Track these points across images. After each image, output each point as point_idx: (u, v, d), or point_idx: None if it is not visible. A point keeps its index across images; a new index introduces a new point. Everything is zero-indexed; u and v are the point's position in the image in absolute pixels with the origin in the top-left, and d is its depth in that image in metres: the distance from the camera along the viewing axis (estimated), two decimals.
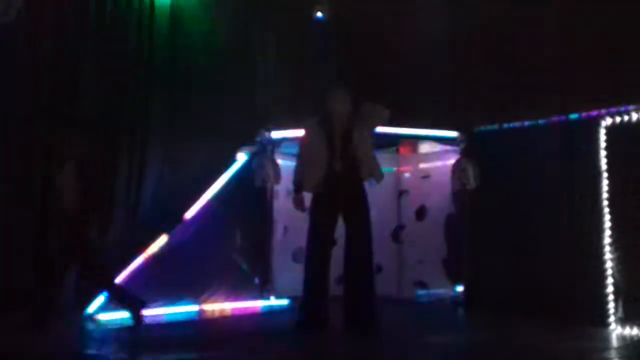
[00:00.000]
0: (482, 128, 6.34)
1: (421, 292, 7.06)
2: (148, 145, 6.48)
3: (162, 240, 6.00)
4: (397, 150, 7.44)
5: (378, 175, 5.30)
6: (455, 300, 6.49)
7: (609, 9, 6.37)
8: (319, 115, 5.35)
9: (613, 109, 5.31)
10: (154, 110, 6.57)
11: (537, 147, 5.77)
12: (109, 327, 5.43)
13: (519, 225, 5.84)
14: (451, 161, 6.59)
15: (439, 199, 6.99)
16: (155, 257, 5.93)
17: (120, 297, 5.29)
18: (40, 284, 5.23)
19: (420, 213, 7.27)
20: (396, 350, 4.64)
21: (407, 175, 7.45)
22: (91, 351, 4.72)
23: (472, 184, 6.22)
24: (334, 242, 5.24)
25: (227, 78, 6.97)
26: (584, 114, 5.52)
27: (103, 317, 5.62)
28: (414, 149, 7.47)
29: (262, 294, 6.38)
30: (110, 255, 5.95)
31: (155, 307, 5.82)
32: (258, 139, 6.50)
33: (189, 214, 6.19)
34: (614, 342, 4.78)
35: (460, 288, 6.50)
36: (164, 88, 6.64)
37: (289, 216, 6.31)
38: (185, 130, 6.67)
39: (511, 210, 5.91)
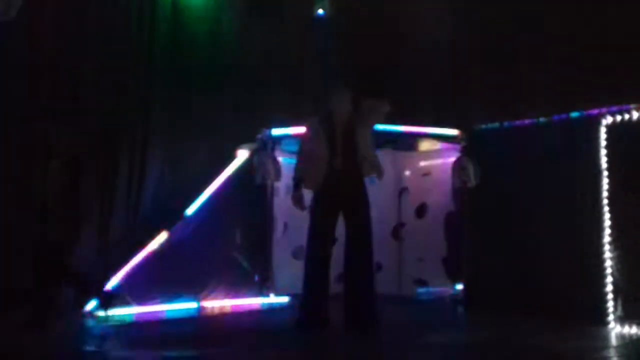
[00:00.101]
0: (483, 126, 6.33)
1: (421, 290, 7.07)
2: (148, 145, 6.48)
3: (162, 237, 6.01)
4: (398, 148, 7.43)
5: (379, 172, 5.31)
6: (455, 298, 6.49)
7: (609, 8, 6.36)
8: (320, 113, 5.34)
9: (613, 108, 5.30)
10: (154, 109, 6.57)
11: (538, 146, 5.76)
12: (108, 324, 5.44)
13: (519, 224, 5.84)
14: (451, 159, 6.59)
15: (439, 196, 6.99)
16: (155, 254, 5.94)
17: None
18: (40, 284, 5.24)
19: (421, 211, 7.28)
20: (396, 349, 4.65)
21: (407, 173, 7.45)
22: (91, 348, 4.72)
23: (472, 182, 6.22)
24: (334, 240, 5.25)
25: (227, 76, 6.97)
26: (584, 113, 5.51)
27: (103, 314, 5.63)
28: (415, 147, 7.46)
29: (262, 291, 6.39)
30: (110, 254, 5.96)
31: (155, 304, 5.83)
32: (258, 136, 6.50)
33: (190, 212, 6.20)
34: (614, 341, 4.78)
35: (460, 286, 6.50)
36: (164, 87, 6.64)
37: (289, 213, 6.31)
38: (186, 129, 6.67)
39: (511, 208, 5.90)
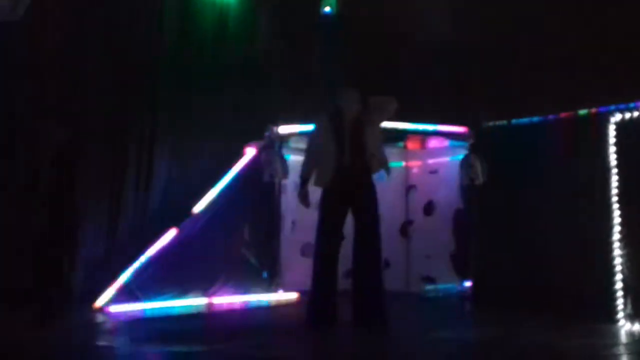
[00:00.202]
0: (491, 124, 6.33)
1: (429, 287, 7.07)
2: (156, 143, 6.50)
3: (171, 234, 6.04)
4: (405, 146, 7.43)
5: (387, 170, 5.32)
6: (463, 295, 6.50)
7: (620, 3, 6.34)
8: (328, 110, 5.35)
9: (622, 105, 5.29)
10: (161, 108, 6.59)
11: (546, 143, 5.76)
12: (119, 318, 5.47)
13: (527, 221, 5.83)
14: (459, 156, 6.58)
15: (447, 194, 6.99)
16: (164, 251, 5.97)
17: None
18: (42, 282, 5.27)
19: (428, 208, 7.28)
20: (404, 346, 4.65)
21: (415, 170, 7.45)
22: (102, 343, 4.76)
23: (480, 179, 6.22)
24: (342, 238, 5.26)
25: (234, 74, 6.98)
26: (593, 110, 5.50)
27: (113, 309, 5.67)
28: (422, 145, 7.46)
29: (270, 287, 6.41)
30: (119, 252, 5.99)
31: (164, 300, 5.86)
32: (266, 133, 6.51)
33: (198, 209, 6.22)
34: (623, 339, 4.78)
35: (468, 283, 6.50)
36: (170, 86, 6.66)
37: (297, 211, 6.32)
38: (193, 128, 6.69)
39: (519, 205, 5.90)
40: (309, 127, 5.59)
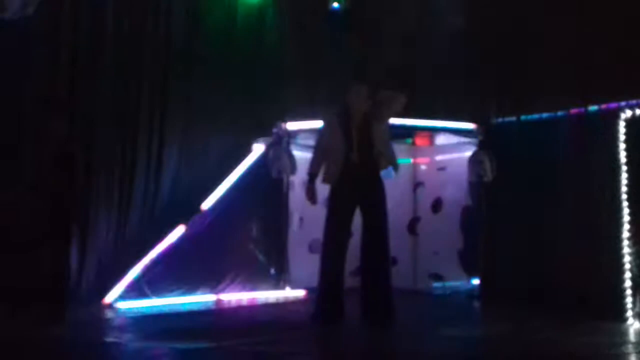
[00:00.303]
0: (500, 120, 6.30)
1: (437, 284, 7.07)
2: (165, 139, 6.52)
3: (180, 231, 6.06)
4: (414, 142, 7.42)
5: (395, 166, 5.31)
6: (471, 293, 6.49)
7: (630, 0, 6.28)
8: (337, 107, 5.34)
9: (633, 102, 5.25)
10: (170, 104, 6.61)
11: (556, 140, 5.72)
12: (127, 315, 5.51)
13: (536, 218, 5.81)
14: (468, 153, 6.56)
15: (455, 191, 6.97)
16: (172, 248, 6.00)
17: None
18: (49, 280, 5.31)
19: (436, 205, 7.26)
20: (412, 343, 4.65)
21: (423, 167, 7.43)
22: (110, 339, 4.79)
23: (489, 176, 6.20)
24: (350, 234, 5.26)
25: (243, 71, 6.98)
26: (603, 107, 5.46)
27: (122, 305, 5.71)
28: (431, 141, 7.44)
29: (278, 284, 6.43)
30: (128, 249, 6.02)
31: (173, 296, 5.89)
32: (274, 130, 6.52)
33: (206, 205, 6.24)
34: (631, 337, 4.75)
35: (476, 281, 6.49)
36: (181, 81, 6.67)
37: (305, 207, 6.32)
38: (202, 124, 6.70)
39: (528, 203, 5.87)
40: (317, 124, 5.59)
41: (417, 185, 7.42)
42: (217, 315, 5.83)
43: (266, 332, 4.97)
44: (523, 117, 6.08)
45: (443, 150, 7.33)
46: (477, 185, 6.38)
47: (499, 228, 6.12)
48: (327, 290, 5.16)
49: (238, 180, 6.42)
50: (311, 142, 5.74)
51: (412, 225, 7.35)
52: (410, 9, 7.51)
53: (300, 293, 6.44)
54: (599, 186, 5.36)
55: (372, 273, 5.14)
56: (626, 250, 5.16)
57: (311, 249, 6.70)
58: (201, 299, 6.07)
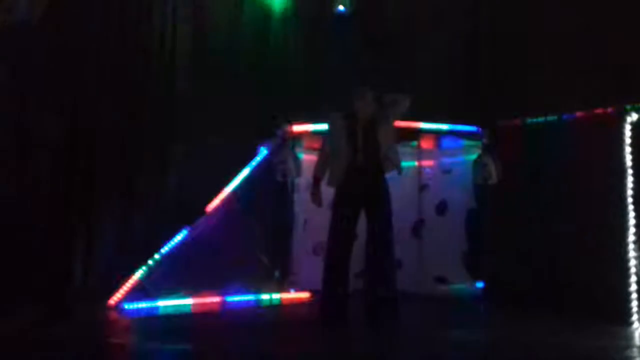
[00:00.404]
0: (505, 123, 6.28)
1: (441, 287, 7.04)
2: (169, 141, 6.53)
3: (184, 233, 6.07)
4: (419, 145, 7.40)
5: (399, 169, 5.31)
6: (476, 295, 6.46)
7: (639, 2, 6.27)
8: (342, 110, 5.35)
9: (639, 105, 5.23)
10: (175, 105, 6.63)
11: (560, 143, 5.71)
12: (132, 316, 5.52)
13: (540, 221, 5.79)
14: (473, 156, 6.54)
15: (460, 194, 6.95)
16: (177, 250, 6.01)
17: None
18: (52, 281, 5.33)
19: (441, 208, 7.24)
20: (416, 346, 4.64)
21: (428, 169, 7.42)
22: (115, 340, 4.80)
23: (493, 179, 6.18)
24: (354, 237, 5.25)
25: (248, 73, 7.00)
26: (608, 110, 5.44)
27: (126, 306, 5.71)
28: (436, 144, 7.42)
29: (282, 286, 6.42)
30: (133, 250, 6.04)
31: (177, 298, 5.90)
32: (279, 132, 6.52)
33: (210, 207, 6.25)
34: (637, 341, 4.73)
35: (480, 284, 6.47)
36: (186, 83, 6.69)
37: (309, 210, 6.31)
38: (206, 126, 6.72)
39: (533, 205, 5.85)
40: (322, 126, 5.59)
41: (422, 187, 7.40)
42: (221, 317, 5.83)
43: (270, 334, 4.97)
44: (528, 120, 6.06)
45: (448, 153, 7.31)
46: (482, 188, 6.36)
47: (503, 231, 6.10)
48: (331, 293, 5.16)
49: (242, 183, 6.42)
50: (316, 144, 5.74)
51: (417, 228, 7.33)
52: (414, 12, 7.51)
53: (305, 295, 6.43)
54: (604, 189, 5.34)
55: (376, 276, 5.13)
56: (632, 253, 5.14)
57: (315, 252, 6.69)
58: (205, 300, 6.07)
